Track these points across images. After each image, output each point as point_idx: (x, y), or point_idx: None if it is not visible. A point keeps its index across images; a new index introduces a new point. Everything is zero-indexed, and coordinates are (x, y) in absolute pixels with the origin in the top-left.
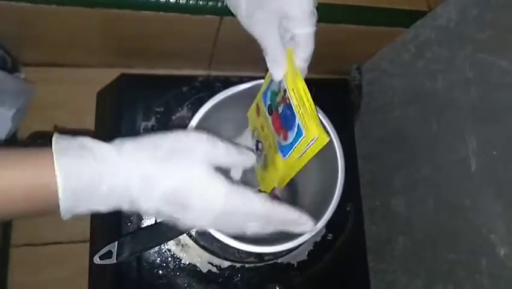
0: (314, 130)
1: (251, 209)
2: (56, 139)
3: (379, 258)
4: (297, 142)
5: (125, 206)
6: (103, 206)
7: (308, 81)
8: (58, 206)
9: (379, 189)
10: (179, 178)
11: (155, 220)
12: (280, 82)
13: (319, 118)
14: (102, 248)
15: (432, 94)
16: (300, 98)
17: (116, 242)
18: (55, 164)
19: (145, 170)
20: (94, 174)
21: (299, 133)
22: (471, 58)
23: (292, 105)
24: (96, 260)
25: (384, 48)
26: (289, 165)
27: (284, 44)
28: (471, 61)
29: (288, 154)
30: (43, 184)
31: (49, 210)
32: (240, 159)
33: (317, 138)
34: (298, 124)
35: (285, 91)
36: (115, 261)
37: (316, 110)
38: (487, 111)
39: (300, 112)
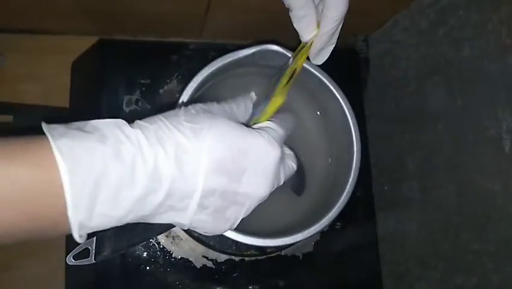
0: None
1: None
2: (46, 124)
3: (388, 247)
4: None
5: (156, 199)
6: (126, 205)
7: None
8: (67, 215)
9: (388, 173)
10: (221, 139)
11: None
12: None
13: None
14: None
15: (456, 65)
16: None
17: (94, 238)
18: (53, 149)
19: (177, 142)
20: (107, 156)
21: None
22: (509, 21)
23: None
24: (70, 260)
25: (395, 15)
26: None
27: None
28: (510, 24)
29: None
30: (42, 180)
31: (55, 220)
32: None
33: None
34: None
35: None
36: (93, 261)
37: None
38: None
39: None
